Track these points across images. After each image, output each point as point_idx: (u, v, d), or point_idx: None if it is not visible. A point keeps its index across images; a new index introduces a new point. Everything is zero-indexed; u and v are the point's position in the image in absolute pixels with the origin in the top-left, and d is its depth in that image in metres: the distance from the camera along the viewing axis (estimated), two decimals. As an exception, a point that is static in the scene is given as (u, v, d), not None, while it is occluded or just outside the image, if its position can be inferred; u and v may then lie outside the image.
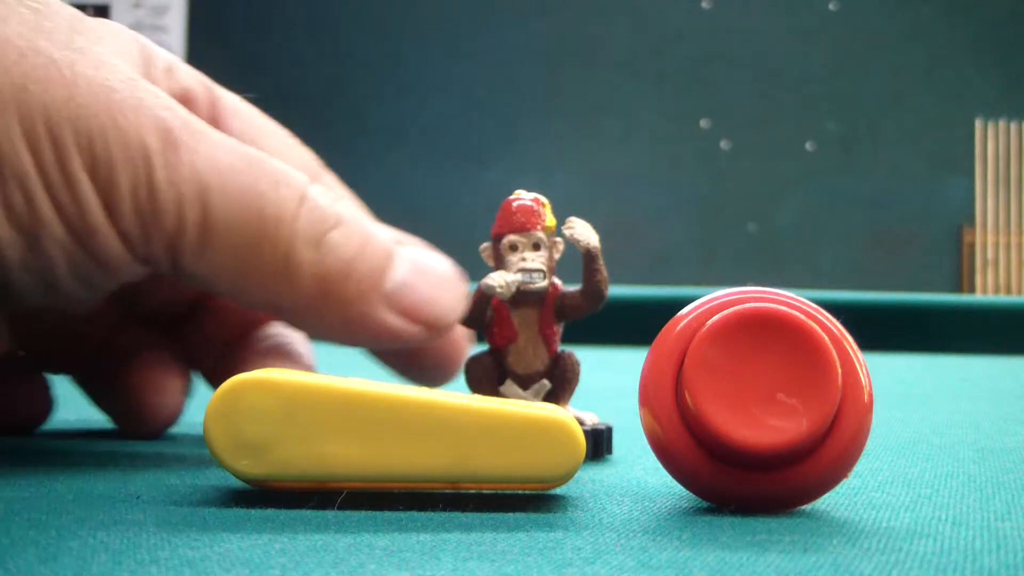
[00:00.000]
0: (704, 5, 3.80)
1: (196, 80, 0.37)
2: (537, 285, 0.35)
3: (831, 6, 3.78)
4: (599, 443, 0.36)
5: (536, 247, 0.35)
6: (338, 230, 0.32)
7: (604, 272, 0.35)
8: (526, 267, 0.35)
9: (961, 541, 0.24)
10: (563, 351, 0.36)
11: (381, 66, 3.77)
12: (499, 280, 0.34)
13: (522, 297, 0.35)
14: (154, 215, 0.30)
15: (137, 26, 3.85)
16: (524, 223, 0.35)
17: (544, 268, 0.35)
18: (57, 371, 0.41)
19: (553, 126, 3.78)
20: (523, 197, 0.36)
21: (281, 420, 0.26)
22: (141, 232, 0.30)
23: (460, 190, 3.47)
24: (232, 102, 0.38)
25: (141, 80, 0.31)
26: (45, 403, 0.41)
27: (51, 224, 0.29)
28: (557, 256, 0.35)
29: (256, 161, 0.32)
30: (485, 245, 0.36)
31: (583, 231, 0.35)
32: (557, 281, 0.36)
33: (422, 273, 0.34)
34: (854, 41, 3.76)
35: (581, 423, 0.36)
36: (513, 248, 0.35)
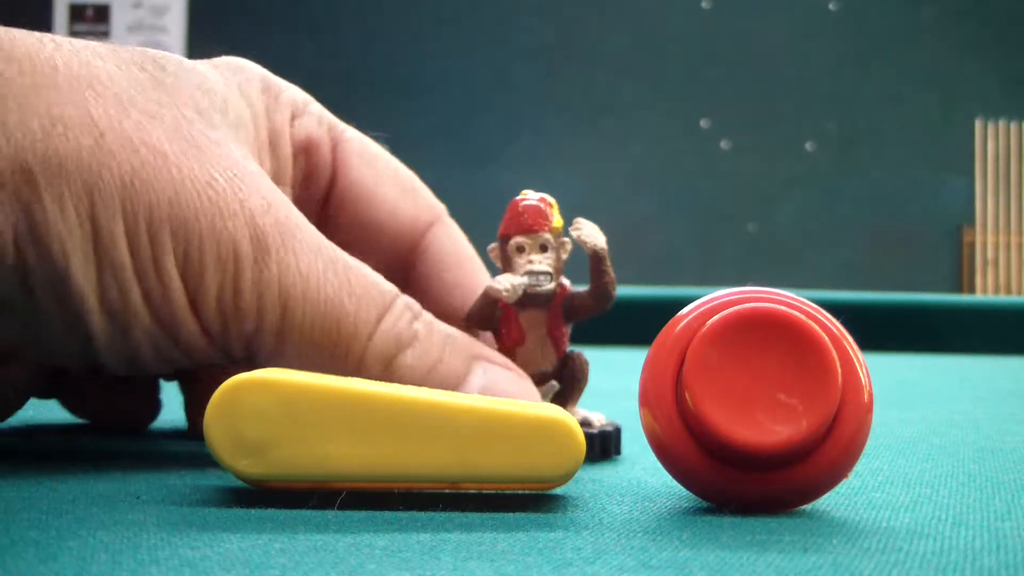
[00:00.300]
0: (704, 5, 3.80)
1: (321, 124, 0.38)
2: (544, 288, 0.35)
3: (831, 6, 3.78)
4: (607, 445, 0.36)
5: (543, 248, 0.35)
6: (411, 350, 0.33)
7: (612, 273, 0.35)
8: (533, 270, 0.35)
9: (961, 541, 0.24)
10: (572, 351, 0.36)
11: (381, 66, 3.76)
12: (505, 283, 0.34)
13: (529, 299, 0.35)
14: (236, 315, 0.31)
15: (137, 26, 3.85)
16: (531, 224, 0.35)
17: (551, 270, 0.35)
18: (166, 379, 0.43)
19: (553, 126, 3.78)
20: (530, 197, 0.35)
21: (281, 420, 0.26)
22: (221, 328, 0.31)
23: (460, 190, 3.46)
24: (355, 147, 0.39)
25: (248, 171, 0.32)
26: (153, 405, 0.42)
27: (139, 313, 0.31)
28: (564, 256, 0.35)
29: (344, 270, 0.32)
30: (492, 246, 0.36)
31: (590, 232, 0.34)
32: (565, 282, 0.36)
33: (492, 395, 0.33)
34: (854, 41, 3.76)
35: (589, 424, 0.36)
36: (520, 250, 0.35)
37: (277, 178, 0.36)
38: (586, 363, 0.36)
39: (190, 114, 0.32)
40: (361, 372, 0.32)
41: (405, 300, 0.33)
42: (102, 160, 0.29)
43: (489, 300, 0.35)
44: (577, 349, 0.36)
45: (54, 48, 0.30)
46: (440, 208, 0.41)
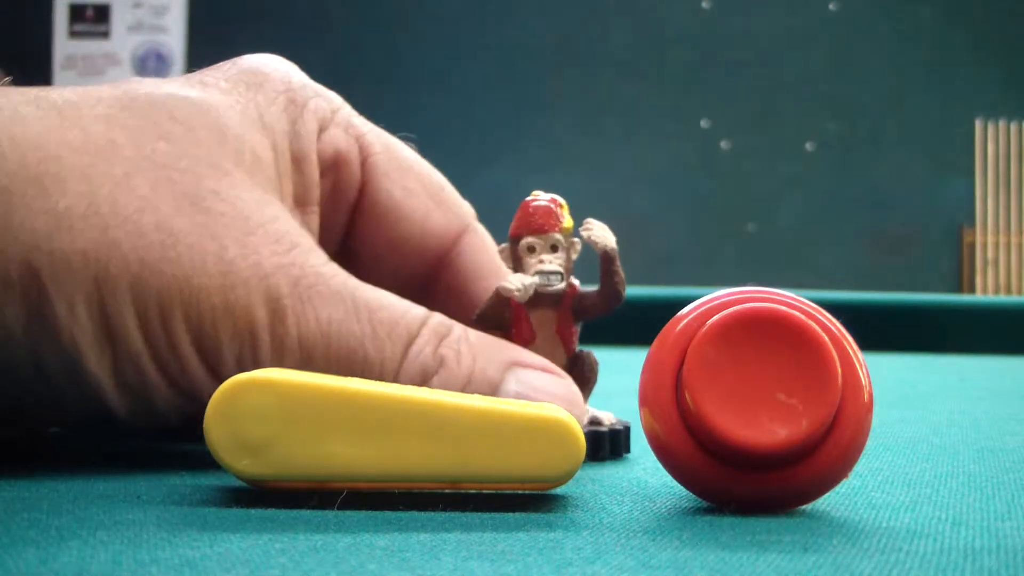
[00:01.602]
0: (704, 5, 3.80)
1: (348, 134, 0.37)
2: (555, 288, 0.35)
3: (831, 6, 3.78)
4: (617, 443, 0.36)
5: (554, 249, 0.35)
6: (438, 376, 0.33)
7: (622, 274, 0.36)
8: (544, 269, 0.35)
9: (961, 541, 0.24)
10: (581, 351, 0.36)
11: (381, 66, 3.76)
12: (516, 283, 0.34)
13: (540, 299, 0.35)
14: None
15: (137, 26, 3.85)
16: (542, 225, 0.35)
17: (561, 270, 0.35)
18: None
19: (553, 126, 3.78)
20: (541, 198, 0.36)
21: (281, 420, 0.26)
22: None
23: (460, 190, 3.45)
24: (384, 159, 0.38)
25: (261, 224, 0.31)
26: None
27: (159, 387, 0.31)
28: (574, 257, 0.36)
29: (367, 314, 0.32)
30: (503, 246, 0.36)
31: (601, 233, 0.35)
32: (575, 281, 0.36)
33: (529, 399, 0.33)
34: (854, 41, 3.76)
35: (599, 423, 0.36)
36: (531, 250, 0.35)
37: (303, 199, 0.36)
38: (596, 362, 0.36)
39: (201, 169, 0.31)
40: None
41: (432, 326, 0.33)
42: (109, 253, 0.29)
43: (501, 300, 0.35)
44: (587, 349, 0.36)
45: (59, 125, 0.30)
46: (470, 216, 0.40)
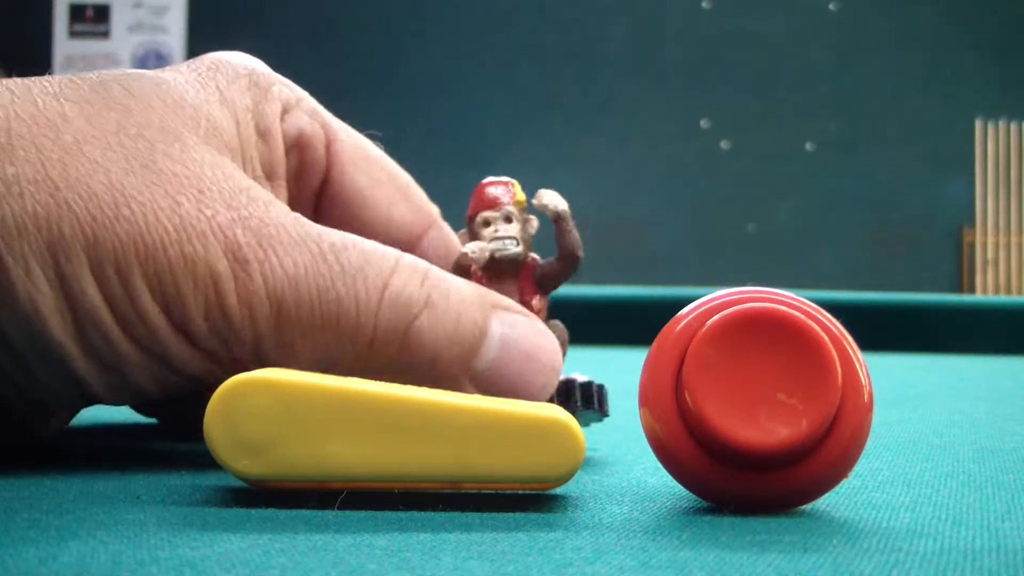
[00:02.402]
0: (704, 5, 3.80)
1: (313, 120, 0.37)
2: (510, 252, 0.35)
3: (831, 6, 3.78)
4: (589, 396, 0.36)
5: (508, 220, 0.35)
6: (424, 316, 0.32)
7: (576, 233, 0.36)
8: (498, 235, 0.35)
9: (961, 541, 0.24)
10: (551, 321, 0.36)
11: (381, 67, 3.76)
12: (472, 246, 0.35)
13: (499, 268, 0.35)
14: (230, 332, 0.31)
15: (137, 26, 3.85)
16: (495, 199, 0.35)
17: (516, 236, 0.35)
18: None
19: (553, 126, 3.78)
20: (491, 179, 0.36)
21: (281, 420, 0.26)
22: (220, 346, 0.31)
23: (460, 190, 3.44)
24: (350, 147, 0.38)
25: (216, 181, 0.31)
26: None
27: (129, 354, 0.30)
28: (531, 232, 0.36)
29: (334, 254, 0.31)
30: (462, 232, 0.36)
31: (551, 198, 0.35)
32: (535, 256, 0.36)
33: (512, 352, 0.33)
34: (854, 41, 3.76)
35: (572, 381, 0.36)
36: (486, 224, 0.35)
37: (271, 172, 0.36)
38: (565, 331, 0.36)
39: (153, 134, 0.31)
40: (374, 354, 0.31)
41: (410, 261, 0.32)
42: (60, 215, 0.29)
43: (462, 270, 0.35)
44: (556, 320, 0.36)
45: (10, 101, 0.30)
46: (435, 213, 0.40)
